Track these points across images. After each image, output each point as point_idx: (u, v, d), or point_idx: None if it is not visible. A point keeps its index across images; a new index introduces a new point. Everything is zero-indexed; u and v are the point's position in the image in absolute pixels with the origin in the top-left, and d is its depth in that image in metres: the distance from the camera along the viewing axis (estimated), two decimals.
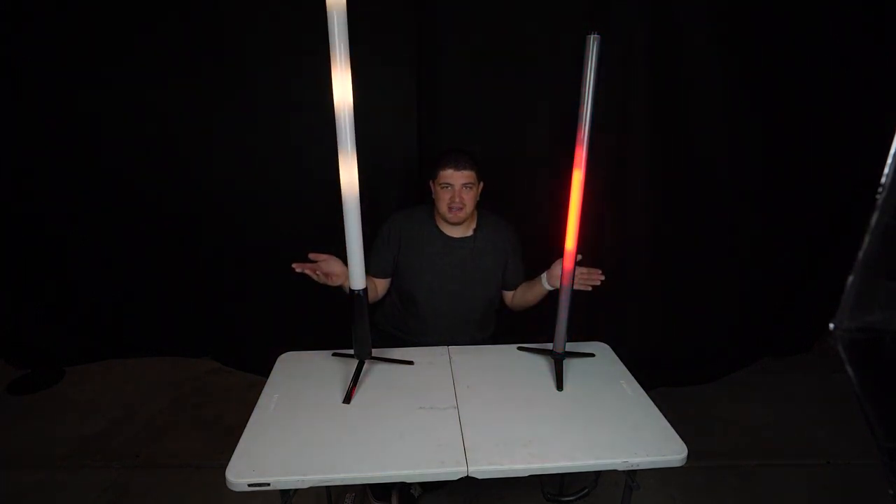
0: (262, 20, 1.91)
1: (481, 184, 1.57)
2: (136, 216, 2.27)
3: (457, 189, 1.50)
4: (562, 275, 1.29)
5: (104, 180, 2.20)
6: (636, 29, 1.86)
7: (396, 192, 2.07)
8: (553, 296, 1.39)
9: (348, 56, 1.04)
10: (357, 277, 1.22)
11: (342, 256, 1.24)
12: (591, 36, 1.07)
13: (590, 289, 1.39)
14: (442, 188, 1.52)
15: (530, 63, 1.93)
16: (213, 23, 1.94)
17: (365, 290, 1.24)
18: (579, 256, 1.30)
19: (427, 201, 1.63)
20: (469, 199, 1.52)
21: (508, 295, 1.69)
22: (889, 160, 0.46)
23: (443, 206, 1.53)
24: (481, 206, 1.62)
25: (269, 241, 2.19)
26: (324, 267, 1.33)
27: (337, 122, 1.08)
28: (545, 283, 1.52)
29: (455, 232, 1.60)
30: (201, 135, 2.07)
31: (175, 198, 2.21)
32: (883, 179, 0.47)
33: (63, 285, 2.39)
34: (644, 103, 1.96)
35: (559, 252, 1.29)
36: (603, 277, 1.38)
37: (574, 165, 1.18)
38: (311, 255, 1.32)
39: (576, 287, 1.34)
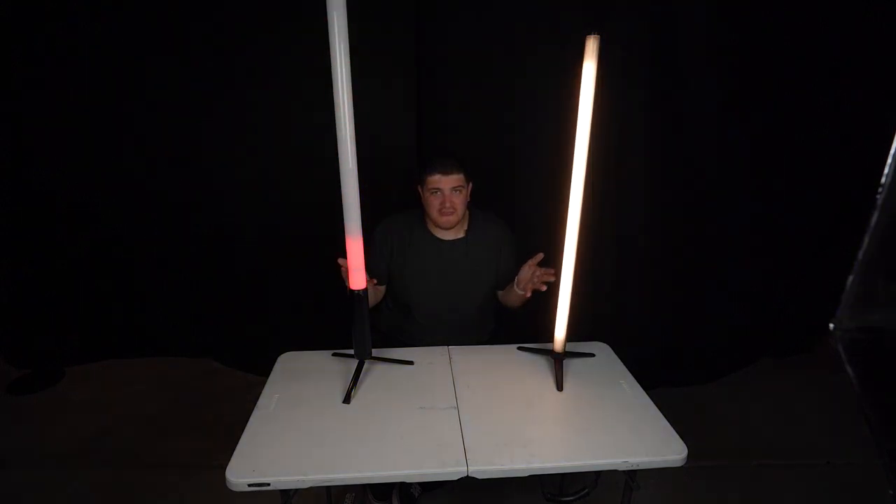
0: (262, 19, 1.91)
1: (470, 185, 1.56)
2: (136, 216, 2.27)
3: (446, 193, 1.48)
4: (561, 275, 1.29)
5: (103, 180, 2.20)
6: (636, 29, 1.86)
7: (396, 193, 2.07)
8: (552, 296, 1.38)
9: (348, 56, 1.04)
10: (357, 277, 1.22)
11: (342, 255, 1.24)
12: (591, 36, 1.07)
13: (544, 288, 1.39)
14: (431, 193, 1.50)
15: (530, 63, 1.93)
16: (213, 23, 1.93)
17: (365, 290, 1.24)
18: (541, 254, 1.37)
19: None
20: (459, 202, 1.50)
21: (499, 294, 1.67)
22: (889, 160, 0.46)
23: (433, 212, 1.51)
24: (472, 205, 1.61)
25: (269, 241, 2.20)
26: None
27: (337, 122, 1.08)
28: (516, 287, 1.51)
29: (447, 235, 1.58)
30: (200, 135, 2.07)
31: (175, 198, 2.21)
32: (883, 179, 0.47)
33: (63, 285, 2.39)
34: (643, 103, 1.96)
35: (559, 251, 1.29)
36: (554, 273, 1.36)
37: (573, 165, 1.18)
38: (340, 261, 1.29)
39: (532, 288, 1.41)
